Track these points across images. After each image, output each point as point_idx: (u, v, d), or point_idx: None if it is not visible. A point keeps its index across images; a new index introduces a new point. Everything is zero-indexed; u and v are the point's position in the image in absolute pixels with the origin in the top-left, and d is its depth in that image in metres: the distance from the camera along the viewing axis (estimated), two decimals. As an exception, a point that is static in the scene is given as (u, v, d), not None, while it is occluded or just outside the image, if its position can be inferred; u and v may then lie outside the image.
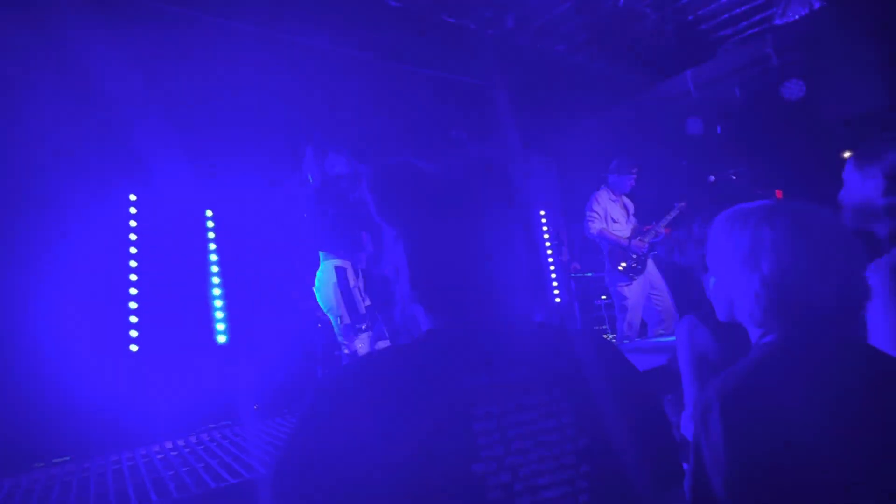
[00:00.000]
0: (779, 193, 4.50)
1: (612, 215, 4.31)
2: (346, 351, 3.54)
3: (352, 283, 3.54)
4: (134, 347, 4.25)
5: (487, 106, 5.98)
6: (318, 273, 3.72)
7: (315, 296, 3.89)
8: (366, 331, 3.52)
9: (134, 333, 4.28)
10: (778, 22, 4.83)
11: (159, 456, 2.74)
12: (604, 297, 5.80)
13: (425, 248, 0.67)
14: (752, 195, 1.04)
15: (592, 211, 4.30)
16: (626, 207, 4.44)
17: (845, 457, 0.73)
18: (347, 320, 3.40)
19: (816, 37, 4.52)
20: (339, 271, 3.39)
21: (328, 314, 3.62)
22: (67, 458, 3.08)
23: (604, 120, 6.27)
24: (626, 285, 4.17)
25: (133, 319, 4.32)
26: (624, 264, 4.17)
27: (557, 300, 5.85)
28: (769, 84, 5.02)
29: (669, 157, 5.79)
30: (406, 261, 0.67)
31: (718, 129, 5.66)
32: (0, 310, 3.62)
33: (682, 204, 4.30)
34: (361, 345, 3.54)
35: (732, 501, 0.74)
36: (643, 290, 4.19)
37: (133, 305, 4.35)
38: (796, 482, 0.72)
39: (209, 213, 5.00)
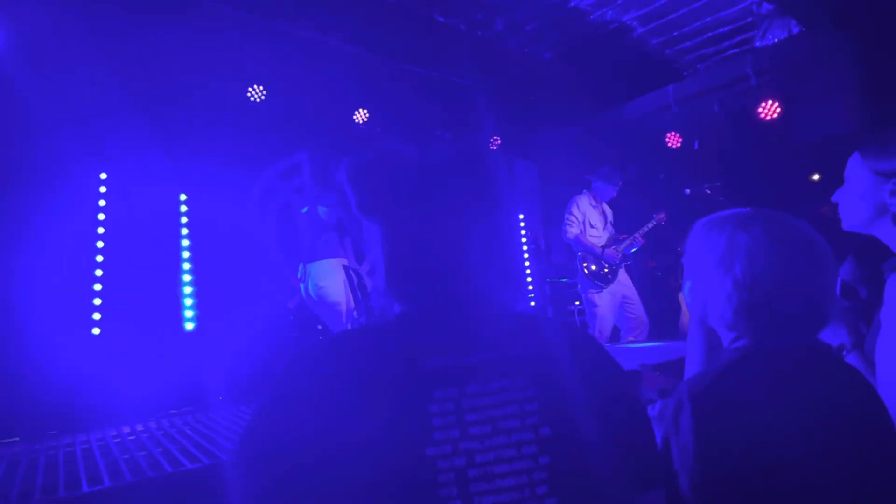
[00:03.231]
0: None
1: (590, 220, 4.36)
2: None
3: (355, 279, 3.60)
4: (96, 330, 4.11)
5: (471, 107, 5.99)
6: (314, 270, 3.74)
7: (303, 290, 3.88)
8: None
9: (97, 316, 4.15)
10: (758, 44, 4.97)
11: (116, 440, 2.66)
12: (577, 303, 5.86)
13: (403, 239, 0.66)
14: (725, 209, 1.05)
15: (571, 214, 4.34)
16: (604, 214, 4.49)
17: (810, 462, 0.75)
18: (355, 315, 3.47)
19: (794, 60, 4.67)
20: (347, 269, 3.49)
21: (331, 308, 3.65)
22: (16, 438, 2.96)
23: (586, 129, 6.36)
24: (597, 293, 4.22)
25: (97, 302, 4.18)
26: (597, 271, 4.22)
27: (532, 304, 5.89)
28: (747, 103, 5.16)
29: (648, 169, 5.91)
30: (382, 252, 0.66)
31: (696, 144, 5.79)
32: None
33: (661, 216, 4.38)
34: None
35: (699, 501, 0.74)
36: (615, 298, 4.25)
37: (97, 287, 4.21)
38: (762, 485, 0.74)
39: (183, 196, 4.88)
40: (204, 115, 4.73)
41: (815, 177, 5.55)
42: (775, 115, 5.03)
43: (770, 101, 5.05)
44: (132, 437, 2.69)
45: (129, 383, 3.73)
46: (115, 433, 2.91)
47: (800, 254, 0.85)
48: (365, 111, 5.71)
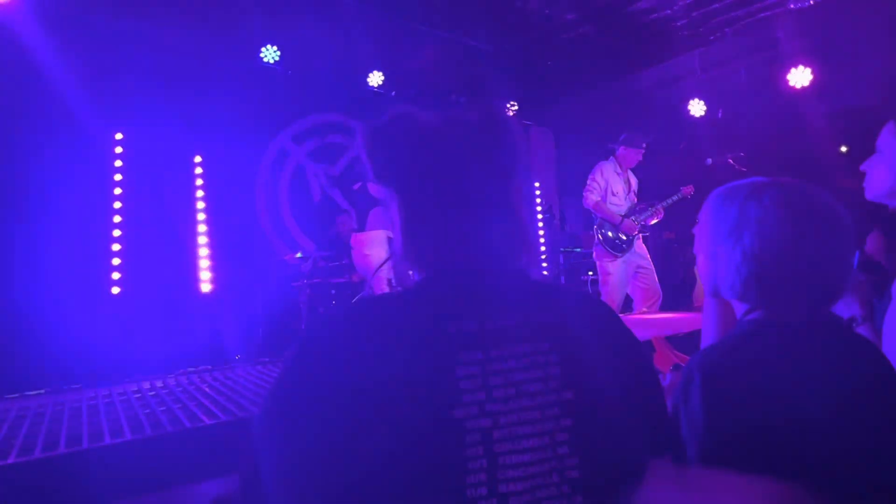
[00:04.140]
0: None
1: (612, 188, 4.27)
2: None
3: None
4: (116, 290, 4.22)
5: (488, 71, 5.85)
6: (361, 241, 3.86)
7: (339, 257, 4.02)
8: None
9: (116, 276, 4.24)
10: (793, 6, 4.73)
11: (136, 395, 2.75)
12: (591, 273, 5.85)
13: (420, 206, 0.66)
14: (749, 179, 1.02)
15: (593, 181, 4.26)
16: (629, 183, 4.40)
17: (822, 435, 0.74)
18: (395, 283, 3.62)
19: (828, 24, 4.45)
20: (390, 240, 3.64)
21: (376, 278, 3.77)
22: (42, 390, 3.08)
23: (606, 95, 6.19)
24: (611, 261, 4.18)
25: (116, 262, 4.27)
26: (612, 240, 4.18)
27: (545, 273, 5.88)
28: (776, 70, 4.96)
29: (669, 137, 5.76)
30: (399, 219, 0.66)
31: (720, 112, 5.62)
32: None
33: (689, 190, 4.26)
34: None
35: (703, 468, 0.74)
36: (628, 268, 4.22)
37: (116, 248, 4.29)
38: (772, 458, 0.73)
39: (198, 158, 4.89)
40: (218, 76, 4.69)
41: (844, 149, 5.37)
42: (806, 83, 4.83)
43: (801, 68, 4.85)
44: (152, 393, 2.79)
45: (147, 341, 3.84)
46: (135, 388, 3.01)
47: (813, 224, 0.82)
48: (380, 74, 5.61)
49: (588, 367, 0.61)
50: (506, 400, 0.56)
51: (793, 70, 4.90)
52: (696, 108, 5.67)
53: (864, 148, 1.29)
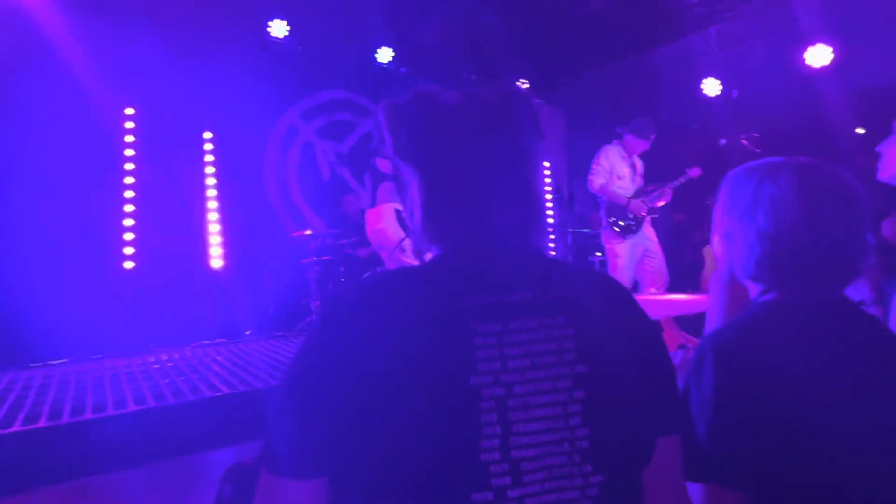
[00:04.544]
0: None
1: (617, 171, 4.24)
2: None
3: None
4: (129, 264, 4.28)
5: (498, 48, 5.75)
6: (372, 216, 3.92)
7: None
8: None
9: (129, 251, 4.30)
10: (814, -19, 4.59)
11: (155, 365, 2.82)
12: (599, 254, 5.84)
13: (439, 183, 0.67)
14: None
15: (598, 164, 4.23)
16: (634, 166, 4.36)
17: (836, 417, 0.74)
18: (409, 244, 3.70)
19: (849, 0, 4.32)
20: (397, 211, 3.69)
21: (388, 251, 3.82)
22: (65, 360, 3.16)
23: (617, 73, 6.07)
24: (619, 244, 4.17)
25: (129, 237, 4.32)
26: (620, 222, 4.16)
27: (553, 253, 5.88)
28: (795, 48, 4.84)
29: (682, 117, 5.66)
30: (419, 195, 0.67)
31: (735, 92, 5.51)
32: (5, 218, 3.61)
33: (695, 171, 4.21)
34: None
35: (715, 450, 0.75)
36: (636, 250, 4.20)
37: (129, 223, 4.33)
38: (781, 441, 0.74)
39: (208, 134, 4.89)
40: (227, 51, 4.65)
41: (860, 130, 5.27)
42: (826, 62, 4.72)
43: (820, 46, 4.73)
44: (170, 364, 2.85)
45: (161, 315, 3.91)
46: (153, 359, 3.08)
47: (828, 204, 0.81)
48: (390, 50, 5.54)
49: (602, 343, 0.62)
50: (521, 371, 0.58)
51: (811, 48, 4.78)
52: (711, 87, 5.57)
53: (883, 130, 1.27)
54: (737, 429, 0.75)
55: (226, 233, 4.86)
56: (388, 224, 3.78)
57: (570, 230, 6.32)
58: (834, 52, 4.69)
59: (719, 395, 0.77)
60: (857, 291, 1.29)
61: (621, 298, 0.69)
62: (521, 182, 0.67)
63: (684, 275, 5.35)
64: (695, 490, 0.76)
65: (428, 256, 0.69)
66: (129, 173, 4.40)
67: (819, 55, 4.75)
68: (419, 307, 0.59)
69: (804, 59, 4.81)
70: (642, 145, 4.20)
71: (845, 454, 0.73)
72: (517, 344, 0.59)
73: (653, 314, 0.74)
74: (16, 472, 1.61)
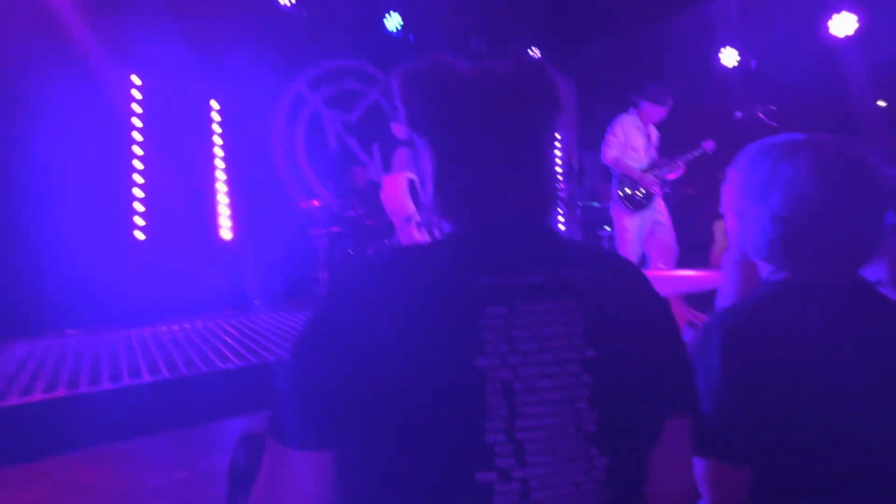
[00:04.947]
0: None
1: (632, 143, 4.15)
2: None
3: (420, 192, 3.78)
4: (140, 235, 4.31)
5: (509, 14, 5.59)
6: (386, 183, 3.93)
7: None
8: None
9: (140, 221, 4.32)
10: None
11: (167, 336, 2.87)
12: (607, 227, 5.80)
13: (452, 157, 0.65)
14: (778, 135, 0.99)
15: (612, 135, 4.14)
16: (649, 137, 4.26)
17: (846, 399, 0.74)
18: (418, 218, 3.71)
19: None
20: (410, 181, 3.67)
21: (399, 219, 3.83)
22: (79, 330, 3.23)
23: (633, 41, 5.89)
24: (629, 217, 4.13)
25: (139, 207, 4.34)
26: (631, 196, 4.11)
27: (561, 227, 5.85)
28: (817, 16, 4.66)
29: (697, 88, 5.52)
30: (431, 169, 0.66)
31: (754, 63, 5.34)
32: (15, 190, 3.62)
33: (710, 145, 4.11)
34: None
35: (719, 427, 0.76)
36: (645, 224, 4.16)
37: (139, 193, 4.35)
38: (787, 421, 0.74)
39: (215, 104, 4.84)
40: (232, 18, 4.55)
41: (882, 103, 5.12)
42: (850, 31, 4.54)
43: (845, 14, 4.55)
44: (182, 335, 2.90)
45: (173, 285, 3.95)
46: (165, 330, 3.13)
47: (847, 185, 0.79)
48: (398, 16, 5.40)
49: (612, 326, 0.61)
50: (528, 353, 0.58)
51: (835, 16, 4.60)
52: (729, 57, 5.40)
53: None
54: (741, 407, 0.76)
55: (234, 203, 4.87)
56: (402, 194, 3.77)
57: (580, 204, 6.27)
58: (858, 20, 4.51)
59: (725, 373, 0.77)
60: (874, 271, 1.27)
61: (633, 279, 0.67)
62: (536, 159, 0.66)
63: (694, 249, 5.31)
64: (698, 465, 0.77)
65: (438, 232, 0.68)
66: (138, 143, 4.39)
67: (843, 24, 4.58)
68: (427, 286, 0.59)
69: (828, 28, 4.64)
70: (659, 112, 4.09)
71: (849, 437, 0.73)
72: (525, 326, 0.58)
73: (661, 291, 0.73)
74: (35, 439, 1.66)
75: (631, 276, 0.68)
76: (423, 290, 0.59)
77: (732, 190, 0.92)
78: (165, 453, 1.77)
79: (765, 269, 0.91)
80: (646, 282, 0.68)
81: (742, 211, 0.88)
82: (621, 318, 0.62)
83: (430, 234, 0.70)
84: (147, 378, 1.86)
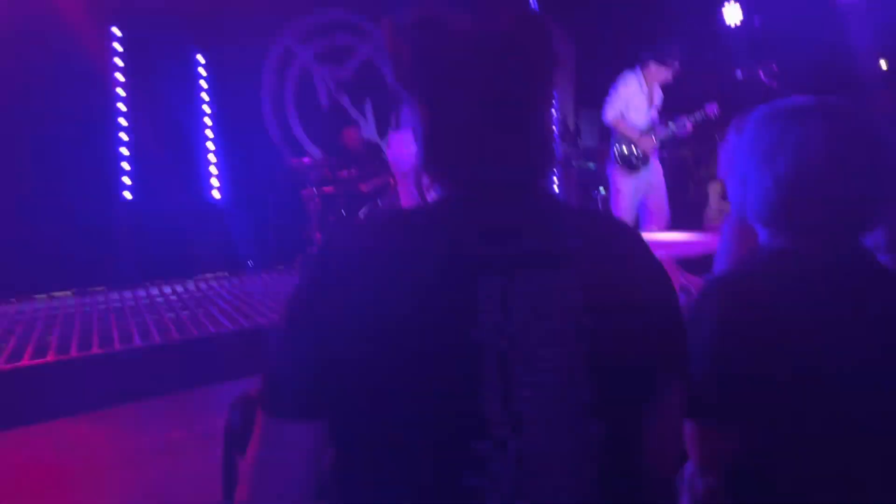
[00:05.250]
0: (802, 98, 4.26)
1: (634, 102, 4.08)
2: None
3: None
4: (128, 195, 4.23)
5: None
6: (393, 140, 3.85)
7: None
8: None
9: (127, 181, 4.24)
10: None
11: (159, 299, 2.86)
12: (602, 189, 5.77)
13: (443, 117, 0.62)
14: (779, 96, 0.96)
15: (615, 94, 4.06)
16: (651, 97, 4.18)
17: (831, 371, 0.74)
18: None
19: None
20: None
21: (403, 177, 3.76)
22: (70, 292, 3.21)
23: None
24: (624, 178, 4.10)
25: (126, 166, 4.24)
26: (628, 157, 4.07)
27: (556, 188, 5.81)
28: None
29: (698, 46, 5.37)
30: (421, 129, 0.63)
31: (757, 20, 5.19)
32: (1, 150, 3.52)
33: (713, 108, 4.03)
34: None
35: (709, 390, 0.77)
36: (639, 185, 4.14)
37: (125, 152, 4.24)
38: (776, 387, 0.75)
39: (201, 58, 4.67)
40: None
41: (884, 64, 5.03)
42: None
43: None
44: (173, 297, 2.89)
45: (163, 246, 3.92)
46: (157, 293, 3.12)
47: (856, 152, 0.78)
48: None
49: (610, 294, 0.60)
50: (524, 324, 0.57)
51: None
52: (732, 14, 5.24)
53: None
54: (733, 371, 0.76)
55: (223, 162, 4.77)
56: (407, 152, 3.71)
57: (575, 164, 6.21)
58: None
59: (718, 337, 0.77)
60: (872, 236, 1.26)
61: (631, 244, 0.66)
62: (532, 119, 0.63)
63: (688, 211, 5.32)
64: (686, 427, 0.78)
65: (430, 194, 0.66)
66: (122, 99, 4.24)
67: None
68: (422, 254, 0.57)
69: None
70: (664, 73, 3.99)
71: (841, 406, 0.74)
72: (522, 296, 0.57)
73: (655, 254, 0.72)
74: (24, 406, 1.67)
75: (629, 240, 0.66)
76: (418, 258, 0.57)
77: (736, 152, 0.90)
78: (161, 413, 1.79)
79: (763, 235, 0.90)
80: (644, 246, 0.66)
81: (745, 173, 0.86)
82: (619, 285, 0.61)
83: (422, 196, 0.68)
84: (138, 342, 1.86)
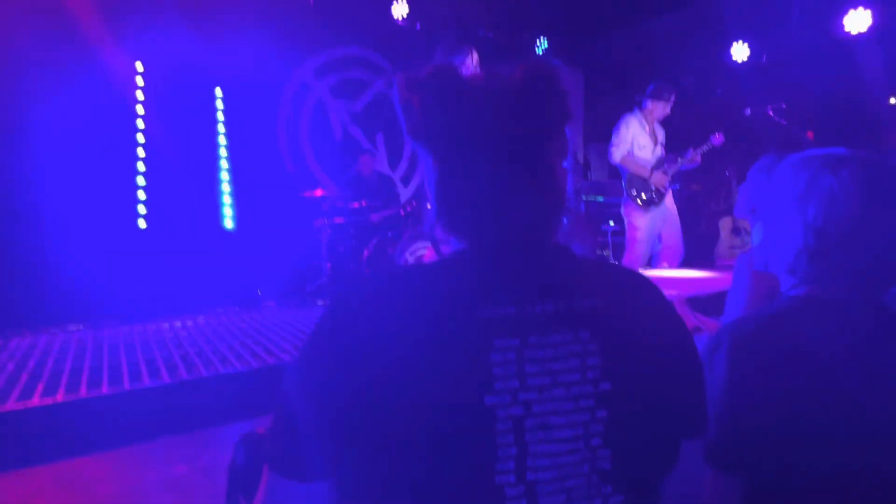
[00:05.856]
0: (810, 135, 4.28)
1: (638, 141, 4.13)
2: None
3: None
4: (143, 224, 4.30)
5: (517, 3, 5.50)
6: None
7: None
8: None
9: (143, 210, 4.31)
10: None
11: (170, 335, 2.85)
12: (612, 223, 5.76)
13: (455, 172, 0.61)
14: (788, 133, 0.96)
15: (619, 135, 4.12)
16: (655, 135, 4.24)
17: (847, 428, 0.72)
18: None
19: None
20: None
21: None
22: (80, 326, 3.21)
23: (643, 33, 5.80)
24: (640, 216, 4.11)
25: (141, 196, 4.32)
26: (642, 195, 4.09)
27: (564, 221, 5.78)
28: (831, 12, 4.58)
29: (706, 83, 5.44)
30: (433, 183, 0.63)
31: (764, 57, 5.26)
32: (16, 180, 3.60)
33: (719, 138, 4.08)
34: None
35: (717, 437, 0.74)
36: (656, 222, 4.14)
37: (141, 182, 4.33)
38: (786, 440, 0.73)
39: (219, 92, 4.80)
40: (239, 6, 4.49)
41: (894, 101, 5.04)
42: (863, 28, 4.46)
43: (860, 10, 4.46)
44: (184, 333, 2.87)
45: (176, 277, 3.94)
46: (168, 327, 3.11)
47: (889, 205, 0.77)
48: (405, 3, 5.33)
49: (628, 357, 0.59)
50: (540, 389, 0.55)
51: (851, 12, 4.52)
52: (740, 52, 5.32)
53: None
54: (742, 420, 0.74)
55: (238, 193, 4.84)
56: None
57: (584, 198, 6.22)
58: (873, 16, 4.43)
59: (730, 385, 0.75)
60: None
61: (649, 300, 0.64)
62: (543, 173, 0.62)
63: (698, 246, 5.28)
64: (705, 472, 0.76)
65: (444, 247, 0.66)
66: (141, 131, 4.36)
67: (858, 20, 4.49)
68: (434, 315, 0.56)
69: (842, 24, 4.56)
70: (662, 108, 4.06)
71: (853, 463, 0.71)
72: (537, 360, 0.55)
73: (666, 293, 0.70)
74: (32, 446, 1.66)
75: (647, 297, 0.64)
76: (430, 321, 0.56)
77: (764, 195, 0.90)
78: (165, 448, 1.77)
79: (785, 282, 0.89)
80: (662, 301, 0.64)
81: (772, 220, 0.86)
82: (638, 346, 0.59)
83: (436, 250, 0.67)
84: (147, 382, 1.86)
